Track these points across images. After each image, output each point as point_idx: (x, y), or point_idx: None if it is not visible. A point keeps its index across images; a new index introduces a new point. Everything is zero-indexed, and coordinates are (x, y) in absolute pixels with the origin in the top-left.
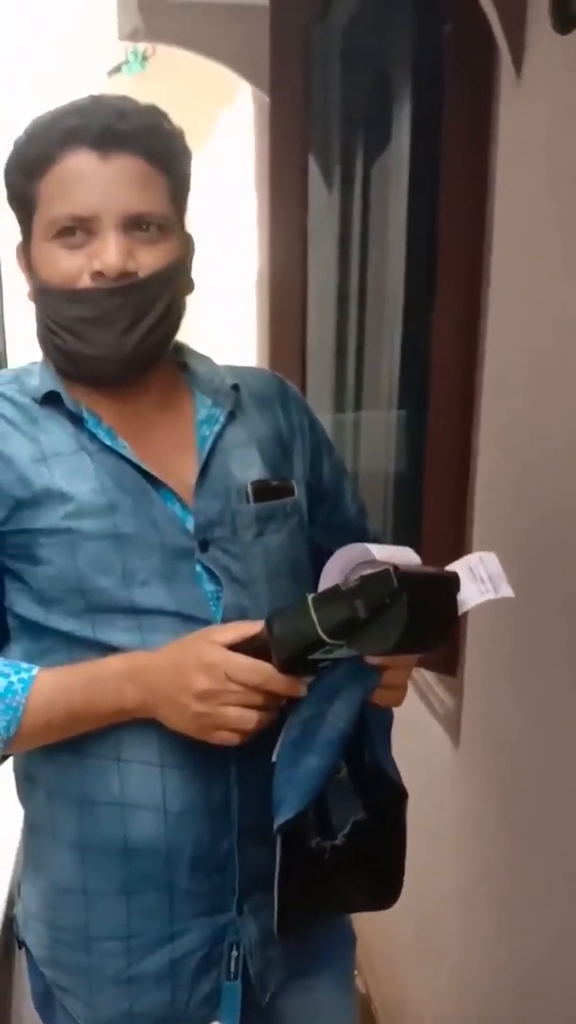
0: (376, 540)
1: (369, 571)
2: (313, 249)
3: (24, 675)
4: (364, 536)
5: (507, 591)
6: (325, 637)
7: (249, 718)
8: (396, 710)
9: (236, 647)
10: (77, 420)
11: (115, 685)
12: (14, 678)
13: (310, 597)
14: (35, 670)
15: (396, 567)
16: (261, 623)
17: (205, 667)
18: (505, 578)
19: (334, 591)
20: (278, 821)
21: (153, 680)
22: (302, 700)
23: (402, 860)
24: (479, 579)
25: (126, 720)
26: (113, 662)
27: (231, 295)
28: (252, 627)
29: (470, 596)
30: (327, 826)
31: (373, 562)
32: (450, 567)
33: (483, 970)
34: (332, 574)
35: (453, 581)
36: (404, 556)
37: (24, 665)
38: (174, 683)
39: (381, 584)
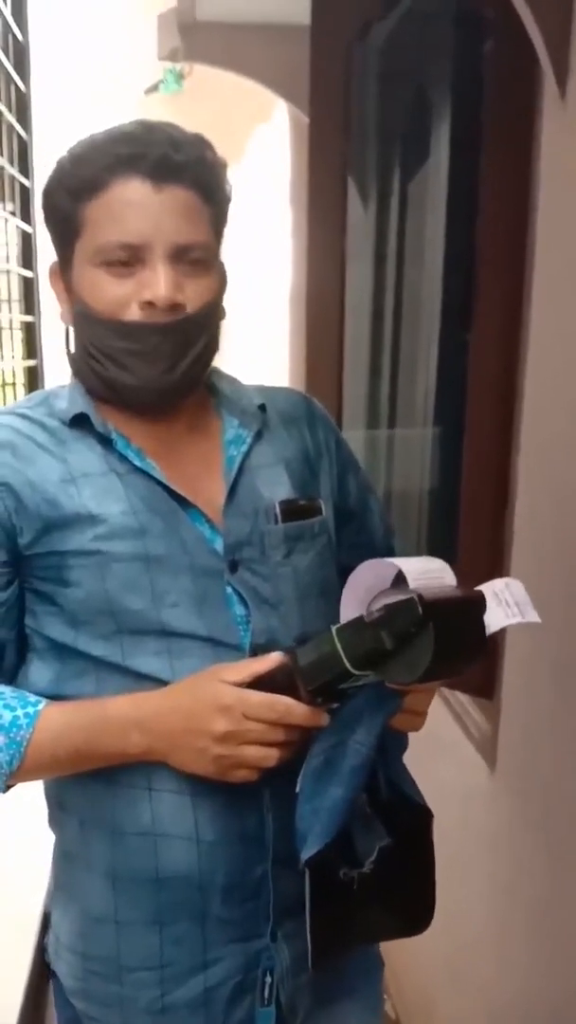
0: None
1: (393, 599)
2: (350, 267)
3: (30, 709)
4: (390, 556)
5: (534, 616)
6: (352, 669)
7: (270, 755)
8: (431, 733)
9: (251, 684)
10: (106, 441)
11: (120, 730)
12: (20, 712)
13: (334, 628)
14: (41, 704)
15: (420, 595)
16: (270, 658)
17: (222, 709)
18: (531, 604)
19: (358, 622)
20: (306, 854)
21: (163, 726)
22: (323, 729)
23: (432, 882)
24: (505, 603)
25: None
26: (120, 704)
27: (265, 311)
28: (262, 663)
29: (496, 619)
30: (352, 855)
31: (396, 587)
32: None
33: (516, 998)
34: (356, 593)
35: (479, 603)
36: (430, 567)
37: (32, 698)
38: (189, 728)
39: (406, 613)
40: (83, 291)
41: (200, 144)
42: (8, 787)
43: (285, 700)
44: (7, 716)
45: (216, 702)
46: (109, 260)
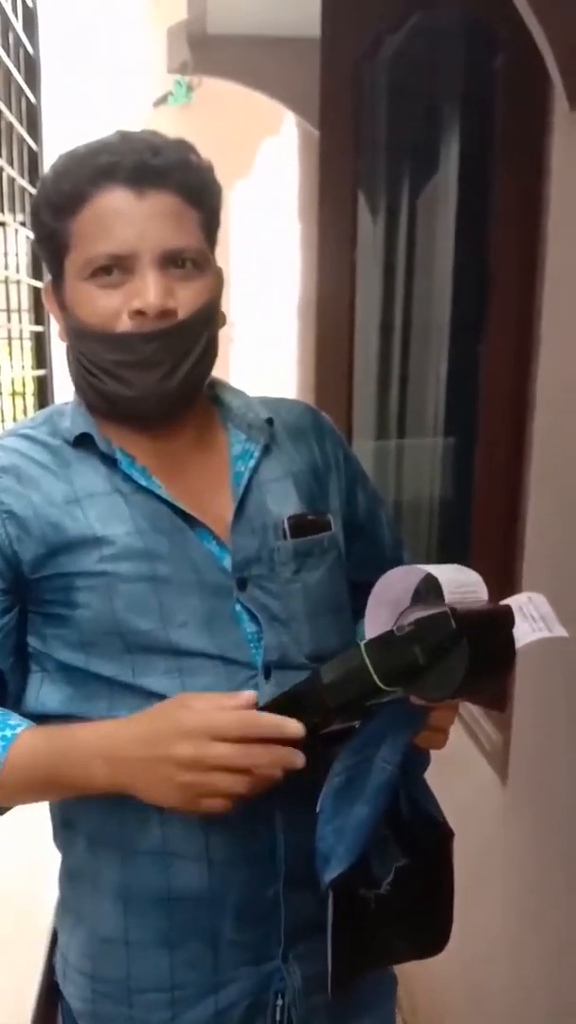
0: None
1: (423, 613)
2: (360, 279)
3: (8, 732)
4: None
5: (560, 630)
6: (383, 685)
7: (240, 781)
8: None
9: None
10: (110, 461)
11: (82, 760)
12: None
13: (363, 644)
14: (21, 728)
15: (454, 609)
16: (240, 695)
17: (185, 733)
18: (556, 618)
19: (388, 636)
20: (329, 876)
21: (123, 754)
22: (346, 748)
23: (451, 903)
24: (530, 618)
25: None
26: (86, 734)
27: (272, 322)
28: (228, 698)
29: (522, 634)
30: (369, 876)
31: (425, 600)
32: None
33: (531, 1015)
34: (383, 601)
35: (509, 617)
36: (466, 580)
37: (13, 721)
38: (151, 756)
39: (440, 628)
40: (75, 306)
41: (181, 148)
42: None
43: (251, 713)
44: None
45: (178, 727)
46: (97, 272)
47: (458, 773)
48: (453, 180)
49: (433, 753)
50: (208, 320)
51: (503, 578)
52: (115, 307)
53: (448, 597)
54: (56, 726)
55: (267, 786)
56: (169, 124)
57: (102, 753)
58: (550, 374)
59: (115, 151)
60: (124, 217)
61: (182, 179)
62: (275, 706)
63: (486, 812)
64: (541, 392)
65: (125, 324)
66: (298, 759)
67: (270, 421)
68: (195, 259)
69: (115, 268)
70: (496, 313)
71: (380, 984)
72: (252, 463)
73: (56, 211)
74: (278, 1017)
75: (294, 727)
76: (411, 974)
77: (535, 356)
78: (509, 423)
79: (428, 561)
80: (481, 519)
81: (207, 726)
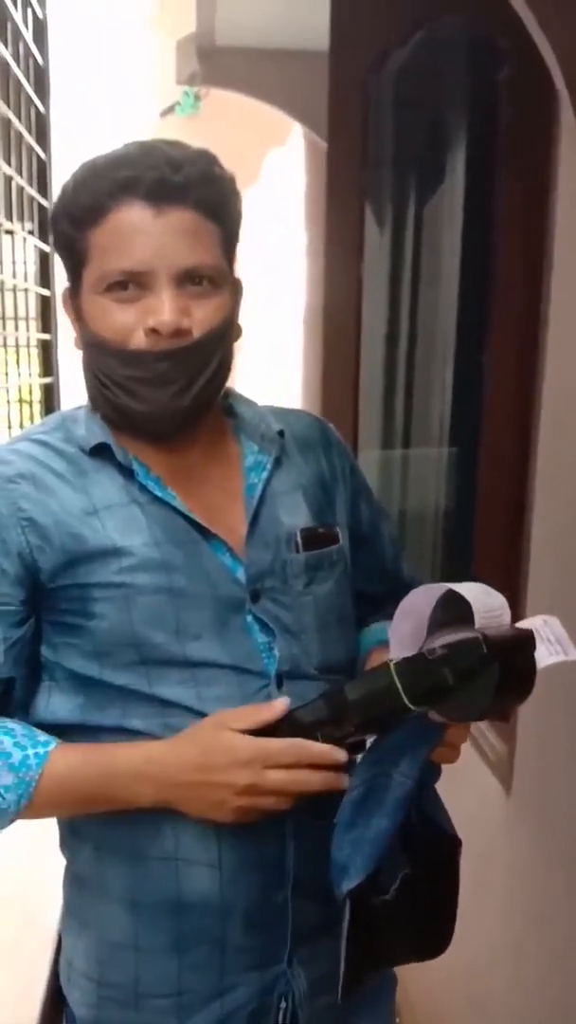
0: (410, 584)
1: (453, 637)
2: (366, 289)
3: (40, 750)
4: (398, 579)
5: None
6: (411, 705)
7: (289, 800)
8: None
9: (259, 732)
10: (127, 471)
11: (130, 784)
12: (30, 751)
13: (392, 664)
14: (52, 745)
15: (485, 634)
16: (276, 706)
17: (242, 763)
18: (571, 640)
19: (419, 658)
20: (347, 886)
21: (177, 780)
22: (363, 761)
23: (454, 909)
24: (547, 640)
25: None
26: (130, 756)
27: (278, 332)
28: (269, 711)
29: (540, 657)
30: (376, 883)
31: (453, 622)
32: None
33: (531, 1019)
34: (408, 618)
35: (531, 641)
36: (492, 604)
37: (42, 738)
38: (207, 782)
39: (471, 652)
40: (90, 319)
41: (203, 161)
42: (11, 822)
43: (302, 743)
44: (18, 755)
45: (233, 756)
46: (112, 287)
47: (463, 783)
48: (459, 191)
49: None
50: (223, 337)
51: (507, 589)
52: (130, 323)
53: (478, 622)
54: (87, 744)
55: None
56: (176, 134)
57: (151, 777)
58: (555, 385)
59: (135, 165)
60: (141, 233)
61: (202, 195)
62: (298, 718)
63: (490, 821)
64: (546, 402)
65: (139, 340)
66: (344, 782)
67: (281, 433)
68: (212, 276)
69: (131, 284)
70: (501, 324)
71: (380, 984)
72: (265, 475)
73: (75, 222)
74: (280, 1020)
75: (341, 755)
76: (411, 979)
77: (540, 367)
78: (514, 433)
79: (432, 571)
80: (485, 529)
81: (263, 756)
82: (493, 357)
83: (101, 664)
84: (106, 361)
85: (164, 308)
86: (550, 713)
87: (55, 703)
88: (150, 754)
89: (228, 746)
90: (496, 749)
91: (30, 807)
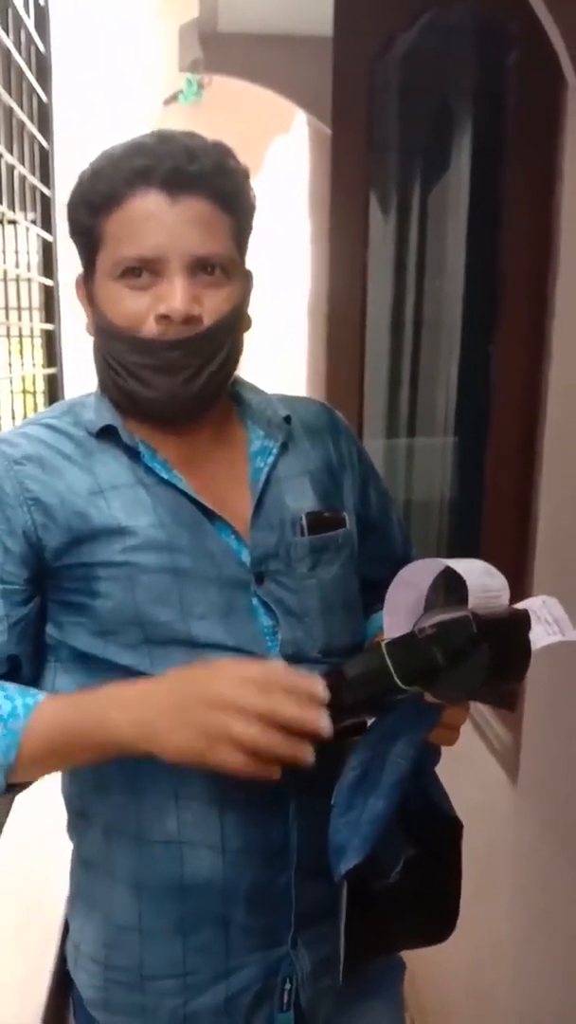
0: None
1: (445, 616)
2: (371, 277)
3: (29, 700)
4: (407, 565)
5: (574, 634)
6: (402, 684)
7: (255, 736)
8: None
9: None
10: (133, 453)
11: (100, 712)
12: (19, 702)
13: (384, 644)
14: (41, 695)
15: (475, 613)
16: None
17: (221, 677)
18: (569, 621)
19: (410, 637)
20: (344, 867)
21: (150, 697)
22: (359, 743)
23: (458, 893)
24: (544, 621)
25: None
26: (106, 689)
27: (282, 320)
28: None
29: (537, 638)
30: (377, 866)
31: (445, 601)
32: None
33: (536, 1011)
34: (404, 595)
35: (526, 621)
36: (490, 585)
37: (33, 690)
38: (182, 699)
39: (460, 631)
40: (103, 304)
41: (218, 152)
42: (10, 785)
43: (283, 667)
44: (6, 707)
45: (211, 671)
46: (126, 273)
47: (468, 772)
48: (465, 178)
49: (443, 751)
50: (233, 327)
51: (513, 576)
52: (142, 309)
53: (472, 601)
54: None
55: (274, 761)
56: (179, 122)
57: (125, 700)
58: (562, 373)
59: (151, 154)
60: (155, 221)
61: (216, 185)
62: None
63: (495, 811)
64: (552, 391)
65: (151, 327)
66: (318, 688)
67: (288, 419)
68: (224, 265)
69: (144, 270)
70: (507, 312)
71: (388, 967)
72: (271, 460)
73: (91, 209)
74: (285, 1001)
75: (319, 688)
76: (416, 967)
77: (547, 355)
78: (520, 422)
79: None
80: (491, 518)
81: (241, 669)
82: (499, 345)
83: (105, 643)
84: (116, 347)
85: (176, 295)
86: (556, 702)
87: (60, 683)
88: (133, 681)
89: (208, 665)
90: (501, 738)
91: (20, 759)
